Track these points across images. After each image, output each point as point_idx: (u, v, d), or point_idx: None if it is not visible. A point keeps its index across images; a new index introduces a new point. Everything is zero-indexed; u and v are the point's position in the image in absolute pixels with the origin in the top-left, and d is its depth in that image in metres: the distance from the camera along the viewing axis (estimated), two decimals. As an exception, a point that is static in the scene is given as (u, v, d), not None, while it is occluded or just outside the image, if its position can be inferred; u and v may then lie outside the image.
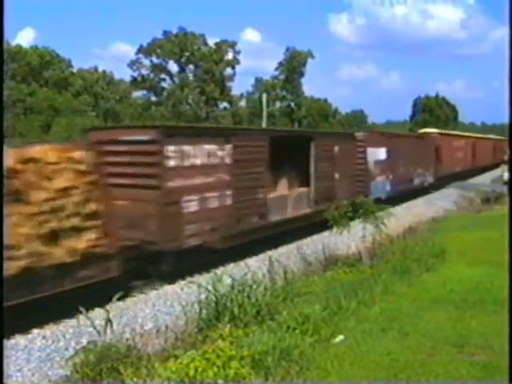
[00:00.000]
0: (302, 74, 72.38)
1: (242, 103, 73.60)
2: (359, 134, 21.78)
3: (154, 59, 66.61)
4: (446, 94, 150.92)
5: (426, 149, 30.23)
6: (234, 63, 68.33)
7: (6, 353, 6.68)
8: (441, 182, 32.66)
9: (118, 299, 7.74)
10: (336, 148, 17.90)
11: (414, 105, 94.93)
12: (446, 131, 45.21)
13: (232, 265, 12.23)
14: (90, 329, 7.05)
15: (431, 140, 32.71)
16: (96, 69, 71.42)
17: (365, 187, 20.54)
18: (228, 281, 8.19)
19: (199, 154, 11.86)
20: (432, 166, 31.13)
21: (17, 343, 7.68)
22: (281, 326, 7.05)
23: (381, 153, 22.96)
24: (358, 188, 19.54)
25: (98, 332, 6.68)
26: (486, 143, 53.37)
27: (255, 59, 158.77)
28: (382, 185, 22.90)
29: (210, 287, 7.97)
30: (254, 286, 8.18)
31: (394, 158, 24.07)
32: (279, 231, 14.81)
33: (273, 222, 14.68)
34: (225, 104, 69.85)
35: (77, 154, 8.94)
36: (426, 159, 29.83)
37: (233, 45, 68.40)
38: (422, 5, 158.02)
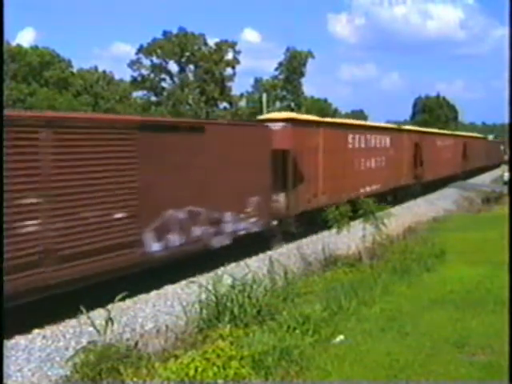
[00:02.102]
0: (302, 74, 72.12)
1: (242, 103, 73.43)
2: None
3: (154, 59, 66.49)
4: (446, 94, 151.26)
5: (243, 156, 12.69)
6: (234, 63, 68.13)
7: (6, 353, 6.67)
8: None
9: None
10: None
11: (414, 105, 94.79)
12: (333, 120, 23.78)
13: (233, 264, 12.22)
14: (91, 328, 7.05)
15: (260, 135, 13.77)
16: (96, 69, 71.25)
17: None
18: (228, 281, 8.19)
19: None
20: (263, 195, 13.69)
21: (17, 343, 7.66)
22: (281, 326, 7.06)
23: None
24: None
25: (98, 332, 6.69)
26: (448, 142, 34.89)
27: (255, 59, 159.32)
28: None
29: (210, 287, 7.97)
30: (255, 286, 8.19)
31: None
32: None
33: None
34: (225, 104, 69.75)
35: None
36: (229, 184, 12.30)
37: (233, 45, 68.21)
38: (421, 5, 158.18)
